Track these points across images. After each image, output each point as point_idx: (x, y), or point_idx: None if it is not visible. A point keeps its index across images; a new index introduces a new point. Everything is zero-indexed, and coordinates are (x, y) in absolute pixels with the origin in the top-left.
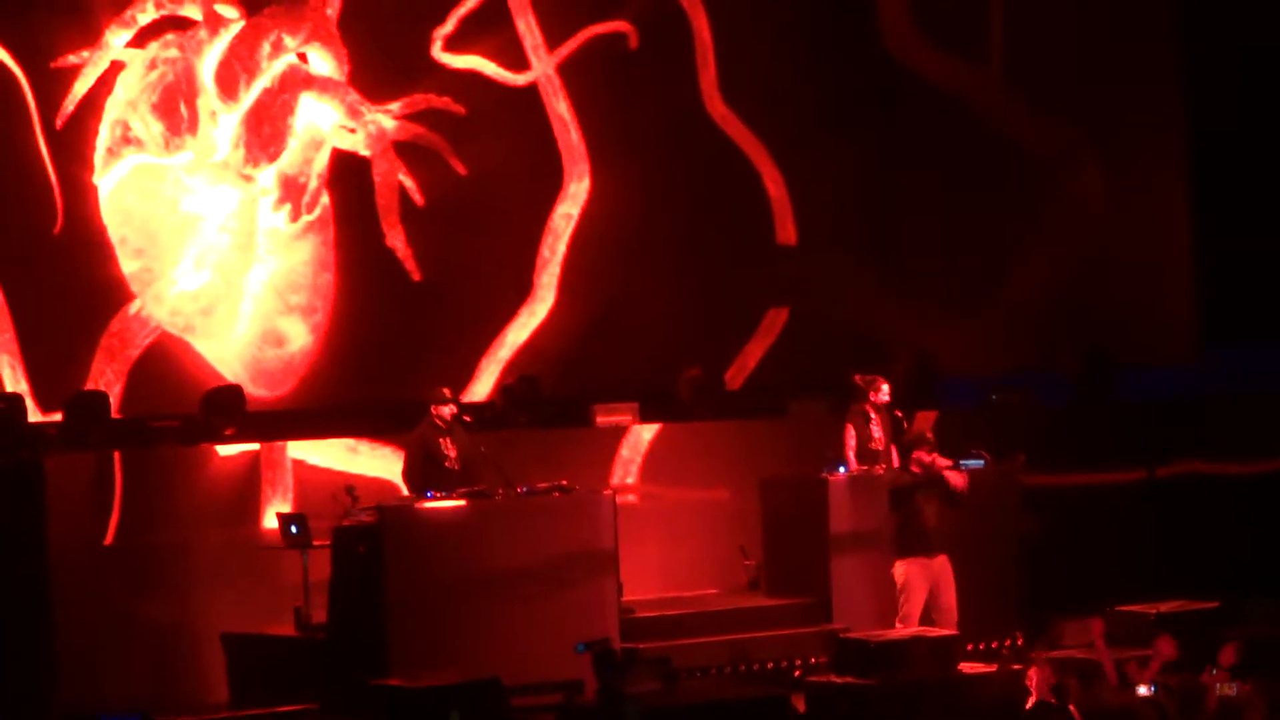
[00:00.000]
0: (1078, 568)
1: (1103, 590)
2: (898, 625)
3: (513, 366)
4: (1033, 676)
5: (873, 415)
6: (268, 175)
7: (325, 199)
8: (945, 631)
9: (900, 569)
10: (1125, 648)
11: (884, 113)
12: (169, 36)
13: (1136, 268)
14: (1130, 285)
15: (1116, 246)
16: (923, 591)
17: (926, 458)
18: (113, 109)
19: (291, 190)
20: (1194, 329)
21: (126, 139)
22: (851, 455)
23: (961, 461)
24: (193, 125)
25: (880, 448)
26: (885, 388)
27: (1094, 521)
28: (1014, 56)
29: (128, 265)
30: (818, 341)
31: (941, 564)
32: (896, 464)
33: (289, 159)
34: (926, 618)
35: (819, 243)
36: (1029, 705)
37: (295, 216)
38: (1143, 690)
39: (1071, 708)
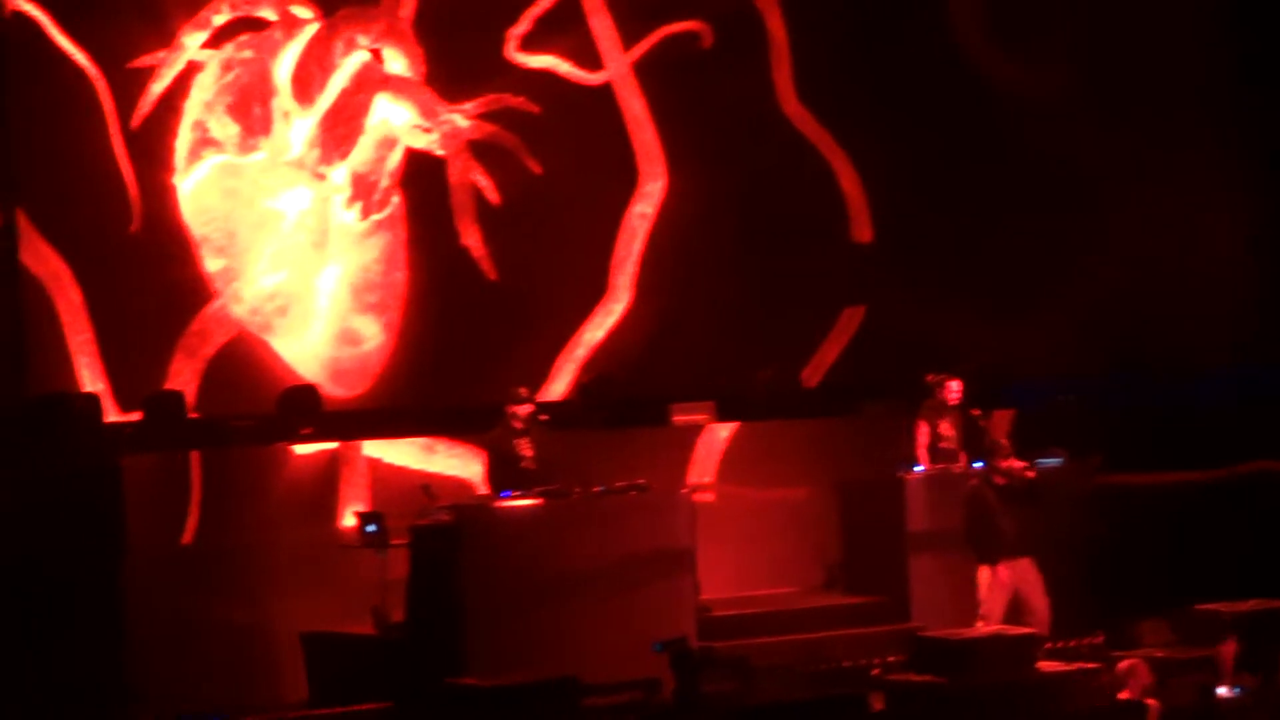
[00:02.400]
0: (1155, 567)
1: (1179, 590)
2: (979, 625)
3: (589, 365)
4: (1128, 674)
5: (945, 415)
6: (340, 173)
7: (396, 198)
8: (1025, 630)
9: (984, 574)
10: (1200, 648)
11: (957, 113)
12: (244, 38)
13: (1206, 270)
14: (1201, 287)
15: (1186, 250)
16: (1004, 595)
17: (1004, 464)
18: (191, 110)
19: (362, 188)
20: (1266, 329)
21: (205, 140)
22: (924, 453)
23: (1038, 460)
24: (268, 125)
25: (953, 446)
26: (956, 386)
27: (1170, 521)
28: (1083, 60)
29: (210, 264)
30: (894, 341)
31: (1025, 566)
32: (964, 463)
33: (361, 157)
34: (1015, 620)
35: (894, 242)
36: (1112, 704)
37: (365, 215)
38: (1222, 691)
39: (1154, 708)
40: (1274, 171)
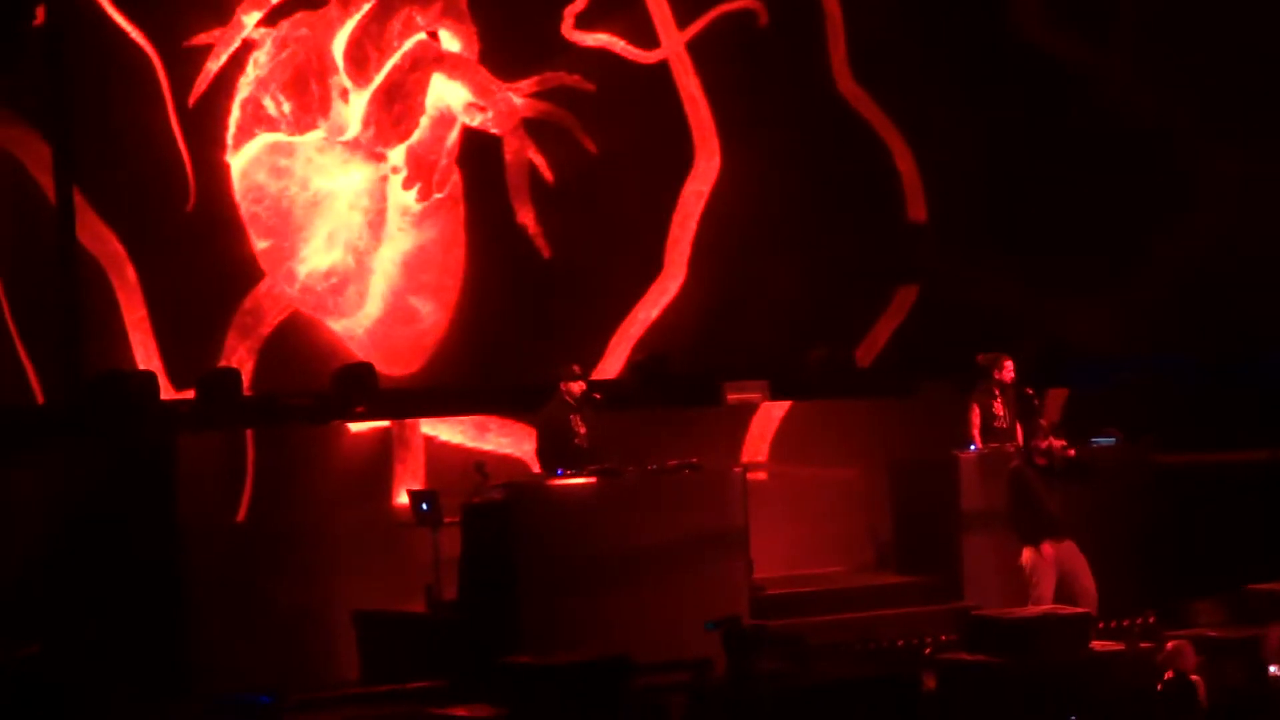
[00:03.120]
0: (1210, 548)
1: (1235, 570)
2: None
3: (643, 344)
4: (1175, 655)
5: (997, 394)
6: (398, 153)
7: (455, 177)
8: (1078, 610)
9: (1028, 555)
10: (1252, 628)
11: (1014, 91)
12: (300, 15)
13: (1269, 248)
14: (1262, 266)
15: (1250, 227)
16: (1052, 576)
17: (1043, 444)
18: (245, 88)
19: (422, 168)
20: None
21: (259, 118)
22: (976, 434)
23: (1093, 439)
24: (324, 104)
25: (1005, 425)
26: (1009, 365)
27: (1225, 501)
28: (1148, 35)
29: (260, 243)
30: (948, 320)
31: (1069, 549)
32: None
33: (419, 137)
34: (1067, 600)
35: (949, 221)
36: (1161, 684)
37: (425, 195)
38: (1274, 670)
39: (1201, 687)
40: None
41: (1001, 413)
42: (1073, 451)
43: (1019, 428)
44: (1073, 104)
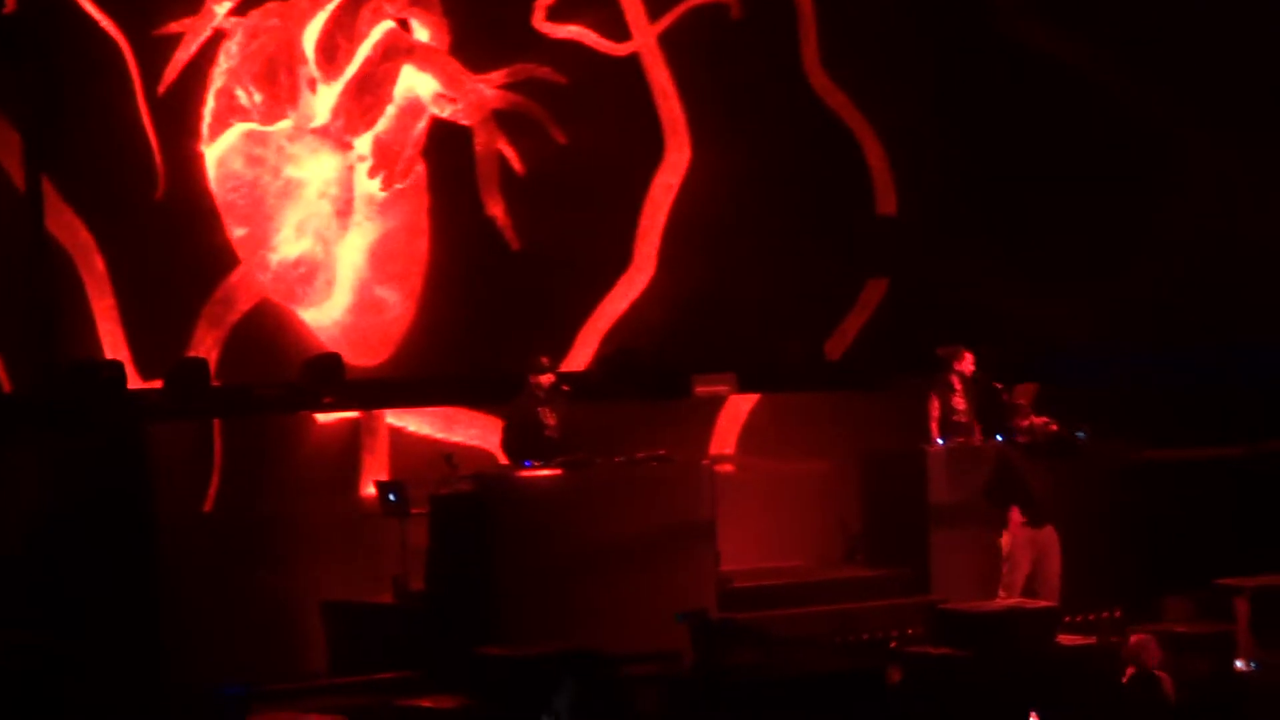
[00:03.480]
0: (1181, 543)
1: (1203, 566)
2: (1000, 594)
3: (612, 336)
4: (1139, 650)
5: (958, 387)
6: (364, 142)
7: (419, 167)
8: (1044, 604)
9: (1007, 538)
10: (1219, 623)
11: (989, 83)
12: (270, 5)
13: (1253, 244)
14: (1239, 261)
15: (1235, 223)
16: (1027, 561)
17: (1025, 422)
18: (218, 78)
19: (386, 157)
20: None
21: (233, 107)
22: (935, 426)
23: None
24: (292, 94)
25: (965, 420)
26: (968, 357)
27: (1195, 496)
28: (1125, 26)
29: (236, 232)
30: (917, 314)
31: (1048, 534)
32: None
33: (386, 126)
34: (1028, 587)
35: (920, 215)
36: (1125, 680)
37: (387, 184)
38: (1240, 665)
39: (1167, 682)
40: None
41: (962, 406)
42: (1055, 426)
43: (977, 427)
44: (1047, 96)
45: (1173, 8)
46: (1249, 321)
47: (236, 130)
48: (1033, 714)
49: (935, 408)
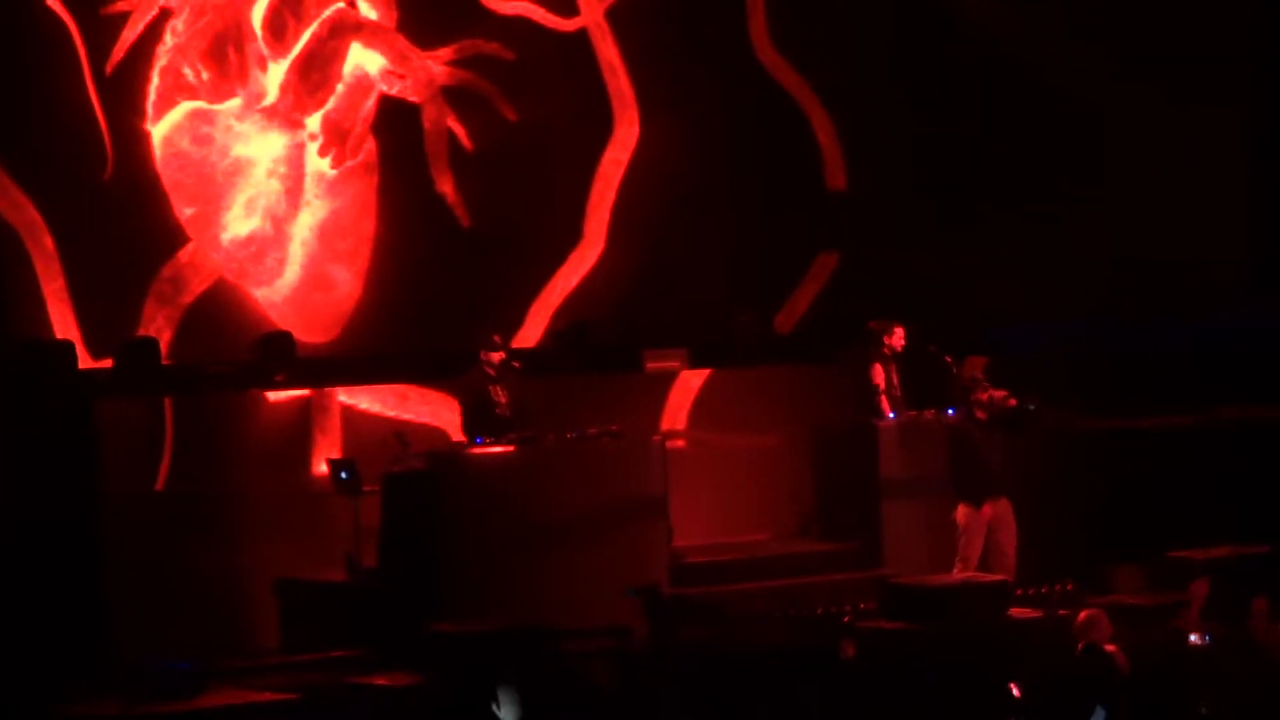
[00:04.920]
0: (1130, 514)
1: (1155, 536)
2: (957, 567)
3: (563, 312)
4: (1089, 624)
5: (890, 361)
6: (314, 120)
7: (370, 144)
8: (996, 577)
9: (962, 511)
10: (1172, 594)
11: (937, 58)
12: None
13: (1193, 213)
14: (1187, 230)
15: (1172, 193)
16: (982, 534)
17: (984, 395)
18: (164, 56)
19: (336, 135)
20: (1250, 274)
21: (179, 86)
22: (885, 400)
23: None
24: (242, 72)
25: (897, 394)
26: (899, 332)
27: (1147, 467)
28: (1076, 4)
29: (184, 211)
30: (868, 287)
31: (1003, 507)
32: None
33: (335, 104)
34: (983, 560)
35: (871, 188)
36: (1077, 654)
37: (338, 162)
38: (1194, 639)
39: (1119, 656)
40: (1263, 130)
41: (895, 380)
42: (1014, 401)
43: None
44: (995, 71)
45: None
46: (1190, 290)
47: (182, 109)
48: (1013, 686)
49: (879, 378)
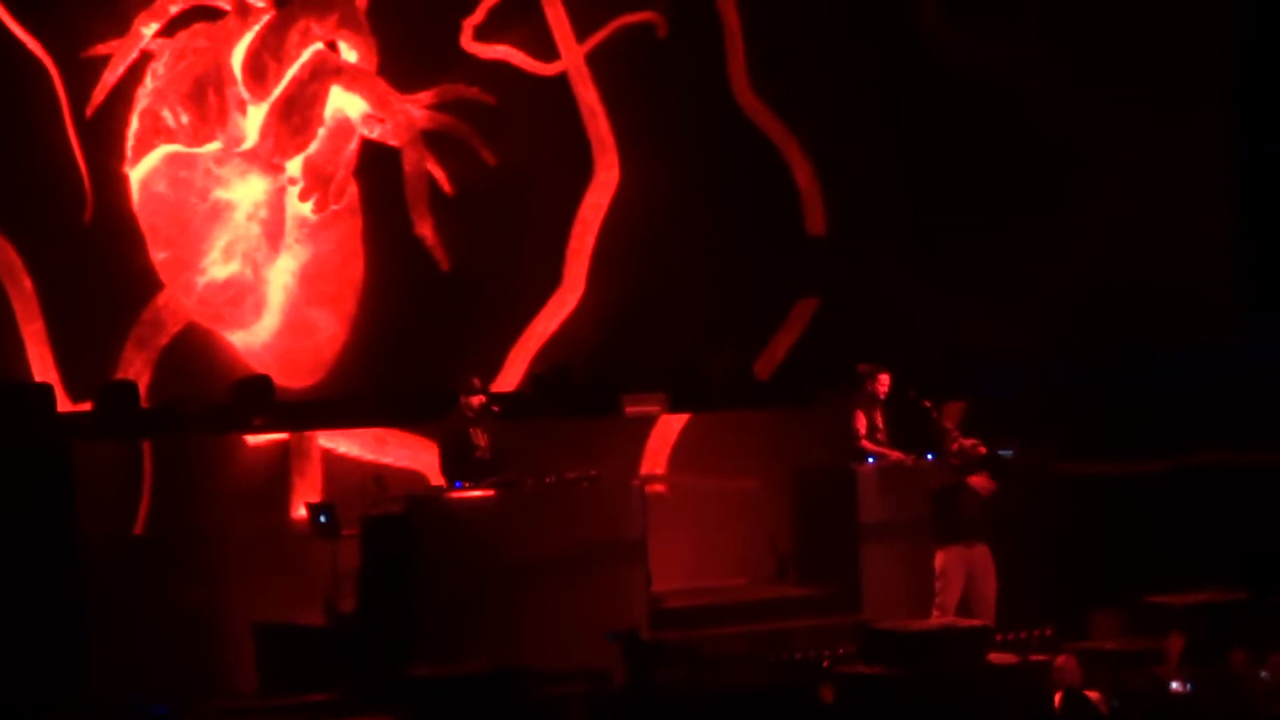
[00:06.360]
0: (1109, 558)
1: (1133, 582)
2: (935, 613)
3: (542, 356)
4: (1061, 671)
5: (876, 405)
6: (295, 164)
7: (352, 189)
8: (975, 622)
9: (940, 557)
10: (1151, 639)
11: (916, 99)
12: (198, 26)
13: (1173, 251)
14: (1166, 269)
15: (1154, 229)
16: (960, 580)
17: (955, 445)
18: (143, 99)
19: (318, 180)
20: (1231, 312)
21: (157, 129)
22: (867, 443)
23: (996, 451)
24: (222, 115)
25: (884, 438)
26: (884, 379)
27: (1126, 512)
28: (1053, 37)
29: (158, 254)
30: (849, 331)
31: (981, 553)
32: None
33: (317, 148)
34: (964, 607)
35: (851, 232)
36: (1059, 702)
37: (321, 207)
38: (1175, 686)
39: (1097, 700)
40: (1245, 169)
41: (880, 425)
42: (984, 449)
43: (895, 453)
44: (975, 110)
45: (1094, 17)
46: (1159, 334)
47: (159, 152)
48: None
49: (862, 422)
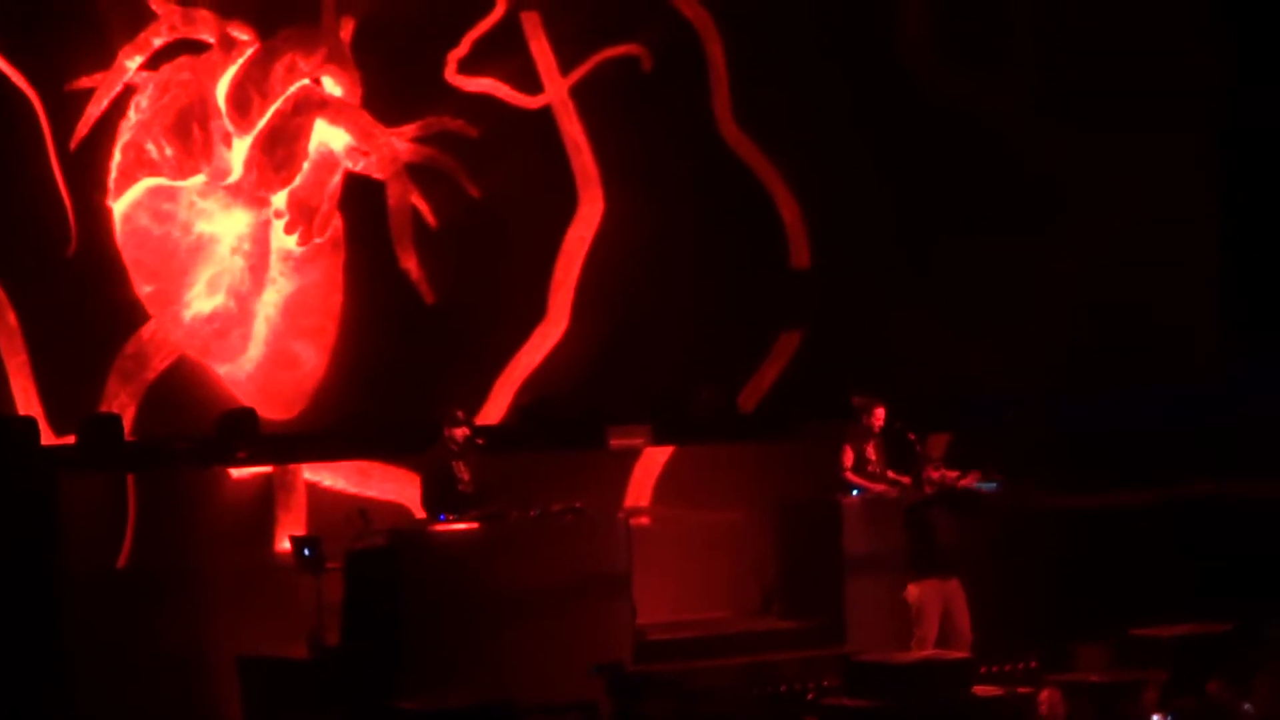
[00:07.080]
0: (1094, 591)
1: (1119, 614)
2: (914, 646)
3: (527, 389)
4: (1044, 705)
5: (870, 438)
6: (280, 198)
7: (336, 221)
8: (959, 655)
9: (914, 591)
10: (1137, 672)
11: (898, 137)
12: (182, 59)
13: (1161, 286)
14: (1154, 304)
15: (1140, 263)
16: (937, 613)
17: (935, 473)
18: (126, 132)
19: (303, 213)
20: (1217, 345)
21: (141, 162)
22: (852, 476)
23: (978, 484)
24: (206, 148)
25: (876, 470)
26: (879, 413)
27: (1111, 544)
28: (1039, 70)
29: (144, 288)
30: (833, 364)
31: (954, 587)
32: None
33: (301, 181)
34: (941, 640)
35: (835, 265)
36: None
37: (306, 240)
38: (1157, 719)
39: None
40: (1230, 201)
41: (874, 456)
42: (964, 482)
43: (890, 473)
44: (959, 144)
45: (1082, 50)
46: (1151, 368)
47: (142, 185)
48: None
49: (849, 457)
